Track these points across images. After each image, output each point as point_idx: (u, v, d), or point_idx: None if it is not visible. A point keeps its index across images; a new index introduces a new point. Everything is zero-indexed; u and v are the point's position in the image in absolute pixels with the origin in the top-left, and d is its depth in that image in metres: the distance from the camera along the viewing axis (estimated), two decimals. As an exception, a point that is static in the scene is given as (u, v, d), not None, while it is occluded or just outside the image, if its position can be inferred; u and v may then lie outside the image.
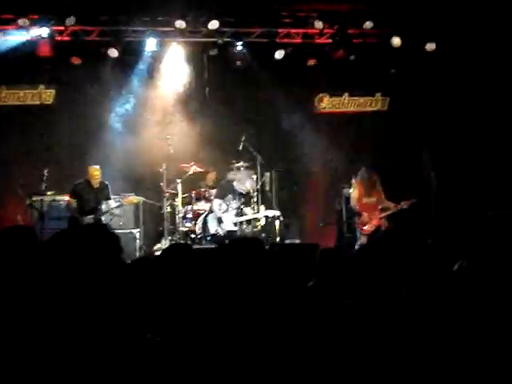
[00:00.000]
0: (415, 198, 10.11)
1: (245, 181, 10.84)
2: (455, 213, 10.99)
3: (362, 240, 9.78)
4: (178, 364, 2.86)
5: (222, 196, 10.86)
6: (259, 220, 11.12)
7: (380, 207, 10.02)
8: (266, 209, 11.34)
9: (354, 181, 10.47)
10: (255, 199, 11.10)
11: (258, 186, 11.11)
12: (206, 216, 10.81)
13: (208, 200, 10.98)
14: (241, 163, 10.91)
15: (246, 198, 10.99)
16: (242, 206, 10.88)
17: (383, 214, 9.97)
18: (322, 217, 12.12)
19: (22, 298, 2.78)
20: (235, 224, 10.79)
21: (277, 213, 10.92)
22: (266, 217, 10.95)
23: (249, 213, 10.91)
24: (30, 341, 2.54)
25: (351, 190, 10.62)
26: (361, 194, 10.09)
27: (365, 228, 9.96)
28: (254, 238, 9.35)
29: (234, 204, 10.80)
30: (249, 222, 10.96)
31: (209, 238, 10.73)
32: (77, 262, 2.71)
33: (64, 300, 2.63)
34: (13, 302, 2.79)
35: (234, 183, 10.89)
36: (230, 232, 10.69)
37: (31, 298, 2.72)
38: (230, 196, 10.85)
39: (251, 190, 10.92)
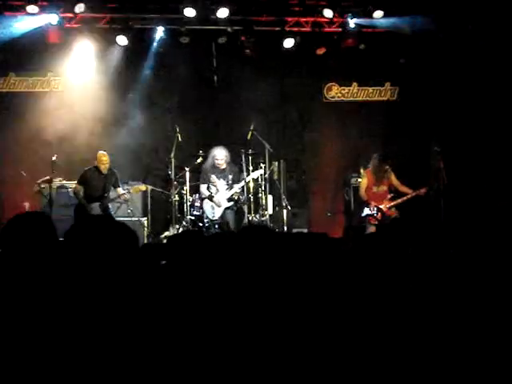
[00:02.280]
0: (425, 187, 10.08)
1: (219, 154, 10.73)
2: (465, 204, 10.96)
3: (371, 229, 9.74)
4: (188, 353, 2.86)
5: (205, 180, 10.77)
6: (266, 209, 11.10)
7: (389, 196, 9.98)
8: (274, 199, 11.34)
9: (363, 170, 10.43)
10: (263, 188, 11.08)
11: (266, 175, 11.05)
12: (201, 203, 10.81)
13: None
14: (249, 152, 10.86)
15: (227, 171, 10.80)
16: (229, 181, 10.75)
17: (392, 203, 9.93)
18: (330, 206, 12.11)
19: (38, 286, 2.78)
20: (229, 200, 10.74)
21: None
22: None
23: (235, 187, 10.76)
24: (43, 335, 2.55)
25: (360, 179, 10.60)
26: (370, 183, 10.04)
27: (373, 219, 9.91)
28: (263, 225, 9.37)
29: (220, 182, 10.73)
30: (242, 189, 10.85)
31: (216, 226, 10.73)
32: (94, 256, 2.72)
33: (81, 292, 2.64)
34: (28, 291, 2.79)
35: (211, 162, 10.78)
36: (224, 212, 10.70)
37: (47, 286, 2.73)
38: (213, 176, 10.73)
39: (227, 160, 10.75)
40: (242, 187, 10.78)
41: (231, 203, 10.78)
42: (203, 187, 10.76)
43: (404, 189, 10.06)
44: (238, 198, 10.79)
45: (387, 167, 10.00)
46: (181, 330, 2.94)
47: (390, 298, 3.29)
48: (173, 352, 2.80)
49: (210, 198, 10.68)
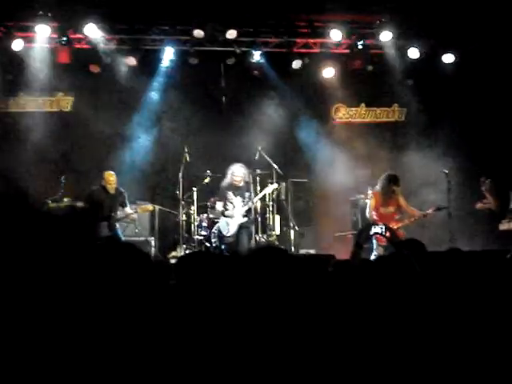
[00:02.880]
0: (435, 207, 10.06)
1: (238, 171, 10.69)
2: (473, 224, 10.96)
3: (379, 251, 9.71)
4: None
5: (222, 198, 10.70)
6: (274, 230, 11.10)
7: (397, 217, 9.95)
8: (281, 220, 11.33)
9: (371, 191, 10.42)
10: (271, 208, 11.08)
11: (274, 196, 11.06)
12: (218, 223, 10.74)
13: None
14: (257, 172, 10.87)
15: (244, 188, 10.72)
16: (246, 198, 10.67)
17: (400, 225, 9.89)
18: (338, 227, 12.09)
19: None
20: (244, 215, 10.64)
21: (275, 185, 10.82)
22: (268, 194, 10.88)
23: (250, 202, 10.67)
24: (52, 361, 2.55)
25: (368, 200, 10.58)
26: (378, 203, 9.99)
27: (381, 238, 9.86)
28: (278, 247, 9.33)
29: (237, 199, 10.66)
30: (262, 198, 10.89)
31: (223, 247, 10.68)
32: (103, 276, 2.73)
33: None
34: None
35: (229, 179, 10.74)
36: (238, 230, 10.59)
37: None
38: (229, 193, 10.64)
39: (245, 178, 10.68)
40: (260, 198, 10.83)
41: (246, 219, 10.64)
42: (219, 205, 10.68)
43: (411, 210, 10.02)
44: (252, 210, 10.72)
45: (395, 188, 9.97)
46: (189, 348, 2.94)
47: (397, 322, 3.29)
48: (180, 373, 2.80)
49: (223, 212, 10.61)
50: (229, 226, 10.61)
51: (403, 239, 9.69)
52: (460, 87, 11.93)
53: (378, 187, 10.03)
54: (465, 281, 3.75)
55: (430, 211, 9.94)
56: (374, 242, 9.88)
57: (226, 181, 10.69)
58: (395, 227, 9.83)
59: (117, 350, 2.69)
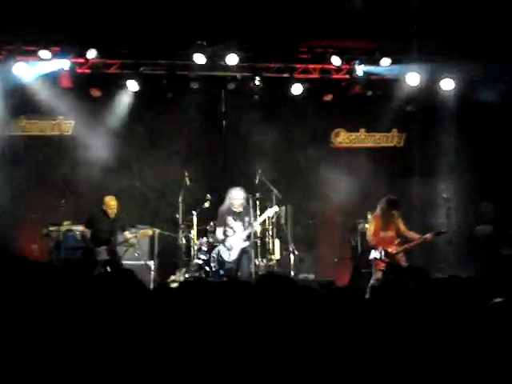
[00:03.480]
0: (435, 231, 10.06)
1: (237, 196, 10.63)
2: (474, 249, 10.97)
3: (378, 275, 9.69)
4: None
5: (222, 223, 10.61)
6: (273, 254, 11.08)
7: (397, 242, 9.92)
8: (281, 244, 11.30)
9: (370, 215, 10.42)
10: (270, 233, 11.06)
11: (274, 220, 11.03)
12: (218, 250, 10.62)
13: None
14: (257, 196, 10.85)
15: (243, 213, 10.58)
16: (246, 222, 10.56)
17: (400, 249, 9.87)
18: (337, 252, 12.08)
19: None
20: (245, 240, 10.51)
21: (276, 208, 10.66)
22: (268, 218, 10.76)
23: (250, 227, 10.52)
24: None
25: (367, 225, 10.57)
26: (377, 228, 9.97)
27: (380, 263, 9.85)
28: (280, 275, 9.26)
29: (237, 224, 10.59)
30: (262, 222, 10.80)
31: (222, 272, 10.58)
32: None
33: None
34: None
35: (228, 204, 10.63)
36: (240, 255, 10.48)
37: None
38: (229, 218, 10.56)
39: (245, 202, 10.57)
40: (262, 222, 10.73)
41: (247, 243, 10.50)
42: (219, 231, 10.59)
43: (411, 234, 10.00)
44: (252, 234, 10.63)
45: (394, 212, 9.97)
46: (187, 372, 2.95)
47: (396, 347, 3.29)
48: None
49: (223, 241, 10.52)
50: (230, 252, 10.52)
51: (403, 264, 9.70)
52: (459, 113, 11.99)
53: (377, 211, 10.03)
54: (462, 308, 3.75)
55: (428, 235, 9.92)
56: (373, 266, 9.87)
57: (225, 205, 10.62)
58: (395, 251, 9.82)
59: (118, 371, 2.69)
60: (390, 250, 9.80)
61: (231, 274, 10.41)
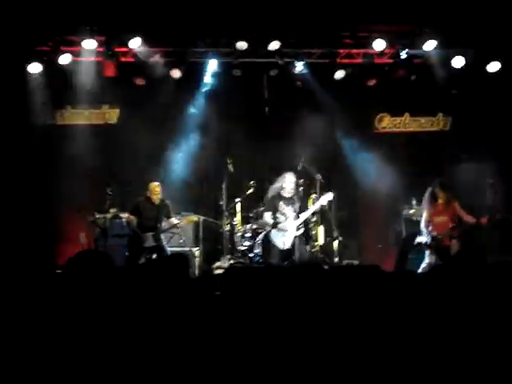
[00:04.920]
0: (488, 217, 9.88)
1: (290, 181, 10.27)
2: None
3: (431, 259, 9.54)
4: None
5: (271, 208, 10.29)
6: (317, 240, 11.04)
7: (451, 226, 9.69)
8: (326, 230, 11.24)
9: (414, 201, 10.30)
10: (314, 219, 11.02)
11: (318, 206, 10.86)
12: (266, 234, 10.31)
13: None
14: (301, 182, 10.79)
15: (294, 199, 10.31)
16: (297, 208, 10.25)
17: (454, 233, 9.65)
18: (382, 237, 12.01)
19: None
20: (298, 228, 10.18)
21: (330, 196, 10.24)
22: (323, 206, 10.40)
23: (305, 214, 10.26)
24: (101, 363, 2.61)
25: (412, 210, 10.46)
26: (431, 213, 9.77)
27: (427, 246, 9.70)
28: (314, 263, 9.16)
29: (288, 209, 10.27)
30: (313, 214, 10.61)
31: (261, 259, 10.42)
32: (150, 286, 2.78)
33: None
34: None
35: (279, 188, 10.34)
36: (294, 241, 10.12)
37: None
38: (280, 203, 10.23)
39: (295, 187, 10.34)
40: (313, 213, 10.55)
41: (300, 231, 10.19)
42: (267, 215, 10.23)
43: (468, 218, 9.74)
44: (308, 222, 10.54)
45: (449, 195, 9.74)
46: (228, 358, 2.98)
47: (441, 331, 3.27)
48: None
49: (275, 225, 10.17)
50: (284, 239, 10.14)
51: (455, 249, 9.53)
52: (505, 96, 11.77)
53: (429, 196, 9.83)
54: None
55: (484, 219, 9.69)
56: (427, 251, 9.71)
57: (275, 190, 10.34)
58: (449, 236, 9.63)
59: (158, 356, 2.74)
60: (437, 234, 9.64)
61: (286, 261, 10.08)
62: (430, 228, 9.64)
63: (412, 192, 11.38)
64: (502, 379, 3.02)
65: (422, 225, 9.77)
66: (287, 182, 10.22)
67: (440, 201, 9.71)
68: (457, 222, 9.70)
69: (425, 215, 9.79)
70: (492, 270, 3.98)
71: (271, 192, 10.40)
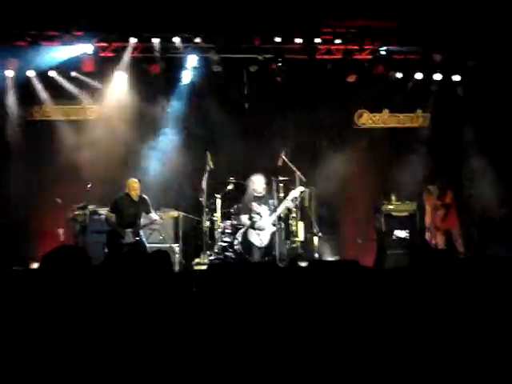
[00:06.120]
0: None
1: (258, 182, 10.63)
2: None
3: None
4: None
5: (247, 211, 10.65)
6: (298, 236, 11.05)
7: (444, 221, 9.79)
8: (306, 226, 11.27)
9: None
10: (294, 215, 11.05)
11: (297, 203, 10.96)
12: (245, 233, 10.59)
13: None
14: (280, 178, 10.84)
15: (267, 197, 10.66)
16: (271, 206, 10.56)
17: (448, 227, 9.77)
18: (361, 233, 12.05)
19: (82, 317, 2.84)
20: (274, 224, 10.49)
21: (301, 188, 10.60)
22: (295, 198, 10.64)
23: (279, 209, 10.52)
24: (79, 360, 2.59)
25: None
26: (432, 208, 9.88)
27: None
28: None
29: (262, 208, 10.57)
30: (288, 210, 10.79)
31: (247, 256, 10.55)
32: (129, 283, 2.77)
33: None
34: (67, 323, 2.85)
35: (250, 191, 10.70)
36: (271, 238, 10.44)
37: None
38: (254, 204, 10.60)
39: (264, 186, 10.65)
40: (287, 208, 10.70)
41: (275, 228, 10.48)
42: (244, 217, 10.64)
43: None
44: (284, 216, 10.68)
45: (447, 190, 9.91)
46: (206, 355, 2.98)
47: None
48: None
49: (252, 226, 10.53)
50: (260, 237, 10.51)
51: (438, 244, 9.63)
52: (483, 91, 11.85)
53: (429, 192, 9.95)
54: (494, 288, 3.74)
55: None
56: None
57: (248, 193, 10.75)
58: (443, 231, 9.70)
59: (140, 351, 2.73)
60: (437, 231, 9.74)
61: (266, 257, 10.38)
62: (430, 222, 9.80)
63: (392, 188, 11.43)
64: (483, 372, 3.04)
65: (426, 220, 9.92)
66: (255, 184, 10.66)
67: (437, 196, 9.86)
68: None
69: (428, 210, 9.93)
70: (468, 265, 4.01)
71: (245, 196, 10.78)
